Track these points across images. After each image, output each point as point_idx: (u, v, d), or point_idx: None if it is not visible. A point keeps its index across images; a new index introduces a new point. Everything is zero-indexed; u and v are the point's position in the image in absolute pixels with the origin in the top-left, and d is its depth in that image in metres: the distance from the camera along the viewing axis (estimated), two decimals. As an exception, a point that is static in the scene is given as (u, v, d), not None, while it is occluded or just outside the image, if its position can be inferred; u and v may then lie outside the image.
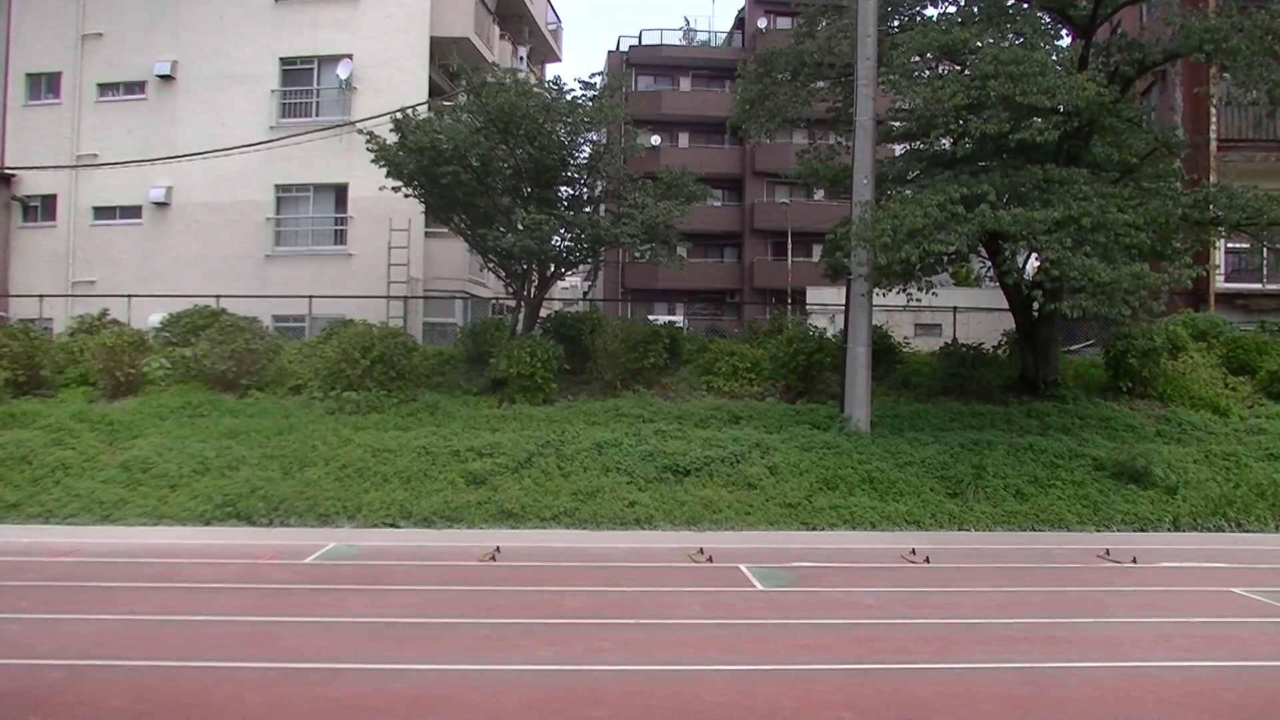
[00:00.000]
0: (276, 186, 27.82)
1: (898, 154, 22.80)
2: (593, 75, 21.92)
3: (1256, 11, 17.09)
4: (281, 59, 27.92)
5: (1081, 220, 15.57)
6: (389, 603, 10.39)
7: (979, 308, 26.61)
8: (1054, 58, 17.52)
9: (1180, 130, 23.50)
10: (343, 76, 27.22)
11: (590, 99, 21.08)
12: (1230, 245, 24.46)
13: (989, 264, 20.71)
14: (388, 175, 20.50)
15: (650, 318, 30.48)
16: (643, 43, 52.87)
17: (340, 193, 27.62)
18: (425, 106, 23.32)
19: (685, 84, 51.57)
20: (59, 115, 28.68)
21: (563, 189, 21.98)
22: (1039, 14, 18.70)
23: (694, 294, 48.91)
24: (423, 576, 11.84)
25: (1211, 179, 22.88)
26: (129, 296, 24.05)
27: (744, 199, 50.18)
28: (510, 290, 22.62)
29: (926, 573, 12.40)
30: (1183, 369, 20.89)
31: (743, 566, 12.38)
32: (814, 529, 15.34)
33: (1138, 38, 19.45)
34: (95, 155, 28.20)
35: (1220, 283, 25.51)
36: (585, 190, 22.51)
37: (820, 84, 21.31)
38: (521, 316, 21.79)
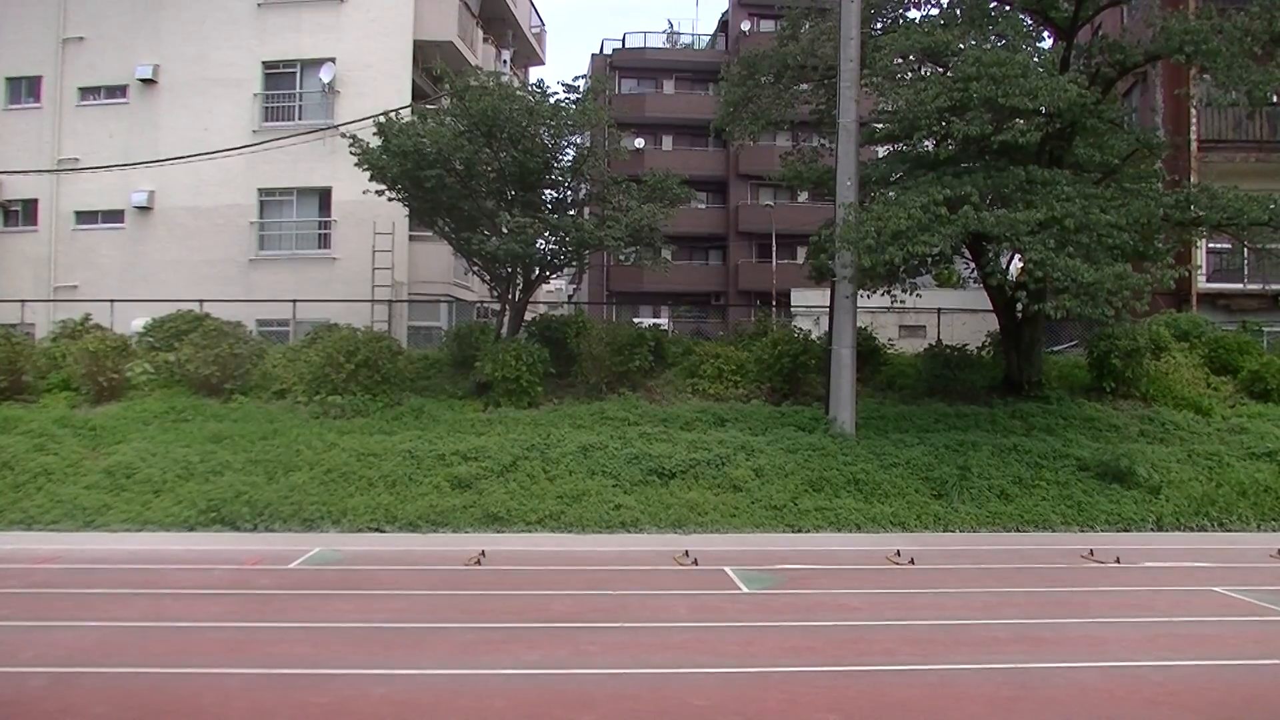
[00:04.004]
0: (260, 190, 27.70)
1: (881, 156, 22.84)
2: (576, 78, 21.98)
3: (1236, 13, 17.18)
4: (264, 62, 27.80)
5: (1064, 221, 15.64)
6: (374, 608, 10.37)
7: (963, 309, 26.68)
8: (1036, 59, 17.61)
9: (1161, 131, 23.64)
10: (325, 80, 27.13)
11: (574, 102, 21.09)
12: (1212, 245, 24.63)
13: (973, 265, 20.76)
14: (371, 179, 20.47)
15: (635, 321, 30.43)
16: (626, 45, 52.77)
17: (324, 197, 27.53)
18: (409, 110, 23.24)
19: (669, 86, 51.54)
20: (40, 119, 28.49)
21: (547, 192, 21.98)
22: (1021, 16, 18.78)
23: (679, 297, 48.88)
24: (408, 581, 11.81)
25: (1192, 179, 22.97)
26: (112, 301, 23.94)
27: (728, 201, 50.16)
28: (495, 294, 22.59)
29: (911, 574, 12.42)
30: (1165, 369, 21.00)
31: (728, 569, 12.39)
32: (799, 531, 15.37)
33: (1119, 39, 19.56)
34: (77, 159, 28.01)
35: (1202, 283, 25.66)
36: (569, 193, 22.50)
37: (804, 86, 21.36)
38: (506, 320, 21.76)
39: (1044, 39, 20.07)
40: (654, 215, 20.40)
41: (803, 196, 42.83)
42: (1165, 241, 19.04)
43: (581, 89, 21.79)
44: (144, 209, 27.81)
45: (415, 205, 21.65)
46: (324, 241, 27.72)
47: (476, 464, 16.43)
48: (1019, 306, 19.04)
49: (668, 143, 50.36)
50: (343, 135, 21.12)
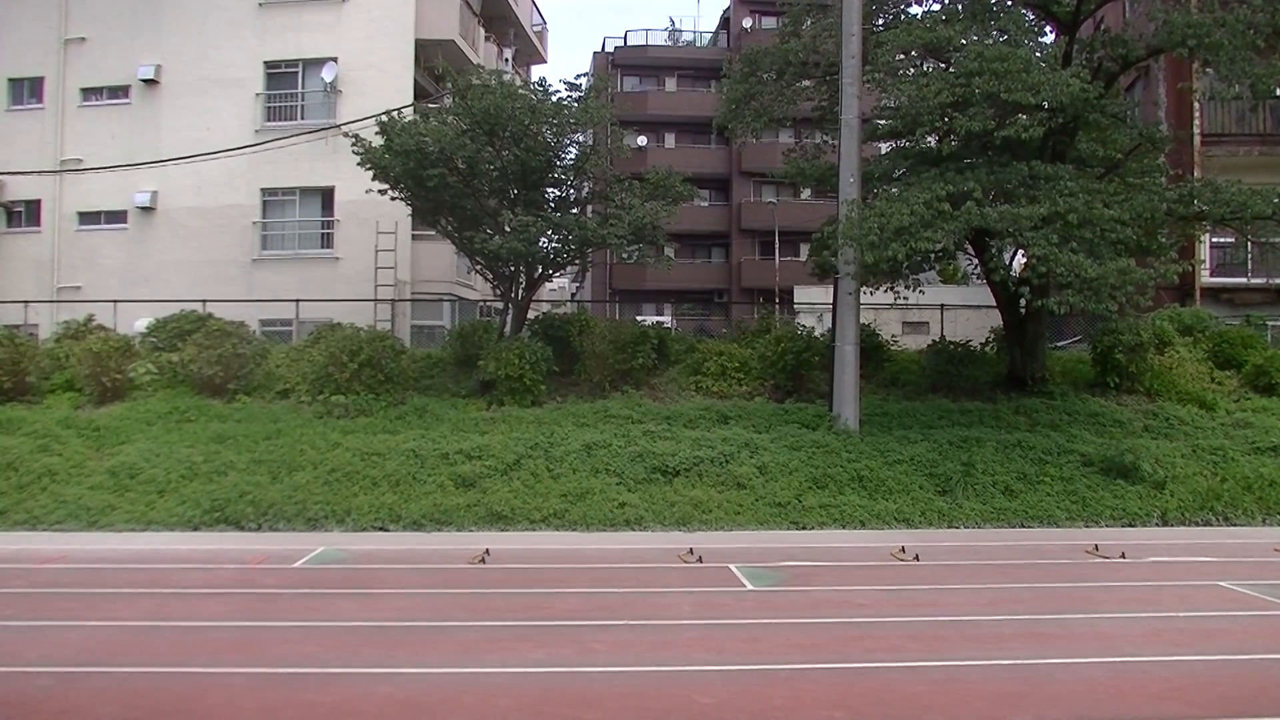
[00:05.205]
0: (262, 190, 27.70)
1: (884, 152, 22.83)
2: (578, 76, 21.97)
3: (1238, 6, 17.13)
4: (266, 62, 27.80)
5: (1068, 216, 15.62)
6: (379, 607, 10.37)
7: (966, 305, 26.67)
8: (1038, 54, 17.58)
9: (1164, 125, 23.57)
10: (327, 79, 27.12)
11: (576, 100, 21.08)
12: (1215, 240, 24.59)
13: (976, 261, 20.74)
14: (374, 178, 20.45)
15: (638, 318, 30.44)
16: (628, 43, 52.82)
17: (327, 196, 27.54)
18: (411, 109, 23.25)
19: (671, 84, 51.52)
20: (42, 120, 28.50)
21: (549, 191, 21.95)
22: (1023, 10, 18.75)
23: (682, 294, 48.91)
24: (412, 580, 11.81)
25: (1196, 174, 22.96)
26: (115, 302, 23.99)
27: (731, 199, 50.16)
28: (498, 292, 22.58)
29: (916, 570, 12.41)
30: (1169, 364, 20.98)
31: (733, 566, 12.38)
32: (803, 528, 15.35)
33: (1121, 33, 19.50)
34: (79, 160, 28.03)
35: (1206, 277, 25.63)
36: (572, 192, 22.48)
37: (806, 83, 21.33)
38: (509, 319, 21.75)
39: (1046, 34, 20.05)
40: (656, 213, 20.37)
41: (805, 193, 42.88)
42: (1169, 236, 19.01)
43: (584, 87, 21.77)
44: (146, 209, 27.82)
45: (418, 204, 21.64)
46: (327, 241, 27.72)
47: (480, 463, 16.43)
48: (1022, 302, 19.00)
49: (670, 140, 50.40)
50: (345, 135, 21.11)
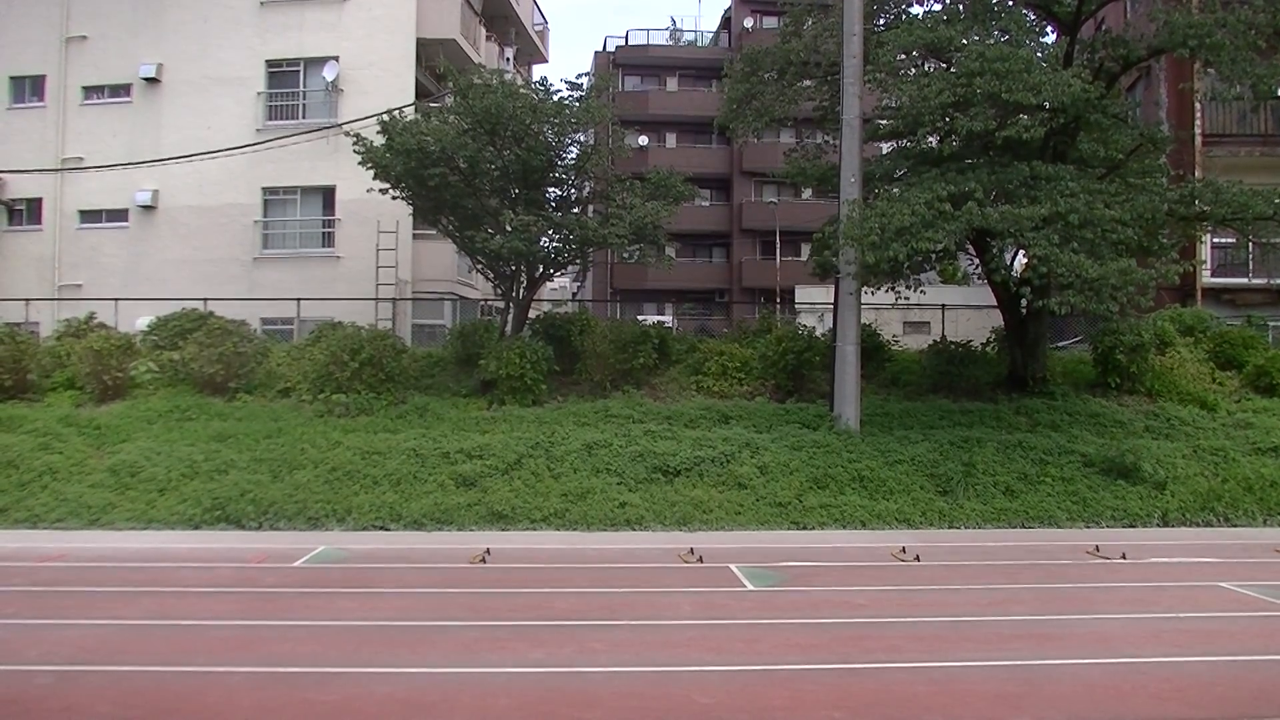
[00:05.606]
0: (264, 189, 27.73)
1: (885, 152, 22.81)
2: (579, 76, 21.93)
3: (1239, 6, 17.14)
4: (267, 61, 27.85)
5: (1069, 217, 15.61)
6: (379, 606, 10.36)
7: (967, 305, 26.68)
8: (1039, 55, 17.56)
9: (1165, 126, 23.57)
10: (329, 79, 27.14)
11: (577, 100, 21.07)
12: (1216, 240, 24.57)
13: (977, 261, 20.73)
14: (375, 177, 20.45)
15: (639, 318, 30.42)
16: (629, 43, 52.84)
17: (328, 195, 27.56)
18: (412, 108, 23.26)
19: (672, 84, 51.52)
20: (44, 118, 28.55)
21: (551, 190, 21.96)
22: (1024, 11, 18.74)
23: (683, 294, 48.89)
24: (413, 579, 11.80)
25: (1197, 174, 22.93)
26: (116, 300, 23.99)
27: (732, 199, 50.15)
28: (499, 292, 22.57)
29: (917, 571, 12.41)
30: (1170, 364, 20.96)
31: (733, 566, 12.37)
32: (804, 528, 15.34)
33: (1122, 34, 19.50)
34: (81, 158, 28.06)
35: (1207, 278, 25.61)
36: (573, 191, 22.48)
37: (807, 83, 21.31)
38: (510, 318, 21.74)
39: (1047, 34, 20.04)
40: (657, 213, 20.37)
41: (806, 193, 42.80)
42: (1170, 236, 18.99)
43: (585, 87, 21.76)
44: (148, 208, 27.85)
45: (419, 204, 21.64)
46: (328, 240, 27.74)
47: (481, 462, 16.43)
48: (1023, 302, 19.00)
49: (671, 140, 50.42)
50: (346, 134, 21.10)
